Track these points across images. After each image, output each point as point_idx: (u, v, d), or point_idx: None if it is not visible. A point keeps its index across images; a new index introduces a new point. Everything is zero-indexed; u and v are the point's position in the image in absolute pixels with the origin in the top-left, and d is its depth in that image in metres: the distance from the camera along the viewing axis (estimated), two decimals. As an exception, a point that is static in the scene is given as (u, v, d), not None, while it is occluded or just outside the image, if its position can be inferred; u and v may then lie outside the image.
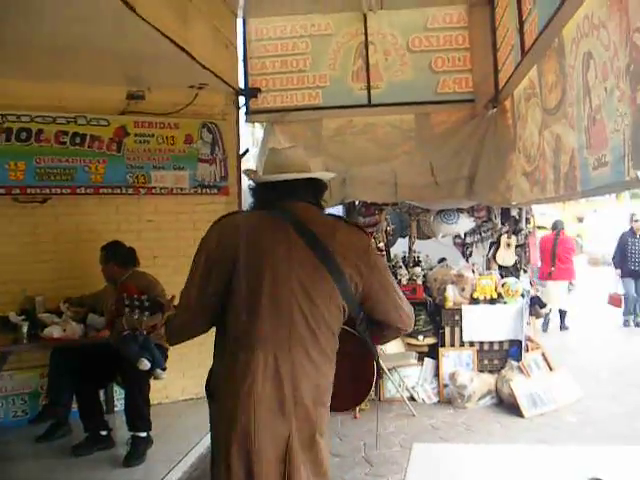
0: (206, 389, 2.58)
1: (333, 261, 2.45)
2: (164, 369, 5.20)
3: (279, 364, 2.39)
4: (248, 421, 2.36)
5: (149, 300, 3.00)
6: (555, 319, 11.17)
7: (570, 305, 11.15)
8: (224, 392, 2.44)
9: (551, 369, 6.87)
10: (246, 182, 2.87)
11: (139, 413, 5.09)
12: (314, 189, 2.66)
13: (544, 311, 7.66)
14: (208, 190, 6.63)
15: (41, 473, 4.87)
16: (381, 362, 6.18)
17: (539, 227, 10.12)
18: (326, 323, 2.46)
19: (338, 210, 7.89)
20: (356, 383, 2.69)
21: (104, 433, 5.30)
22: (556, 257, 10.68)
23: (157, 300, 3.08)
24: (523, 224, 7.66)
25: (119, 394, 6.12)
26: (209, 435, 5.55)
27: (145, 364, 4.97)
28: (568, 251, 10.95)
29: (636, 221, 11.30)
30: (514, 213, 7.61)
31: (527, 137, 5.02)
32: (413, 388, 6.77)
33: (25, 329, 5.37)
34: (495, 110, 6.37)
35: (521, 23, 4.79)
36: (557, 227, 11.17)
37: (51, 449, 5.32)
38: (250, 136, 10.28)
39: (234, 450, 2.36)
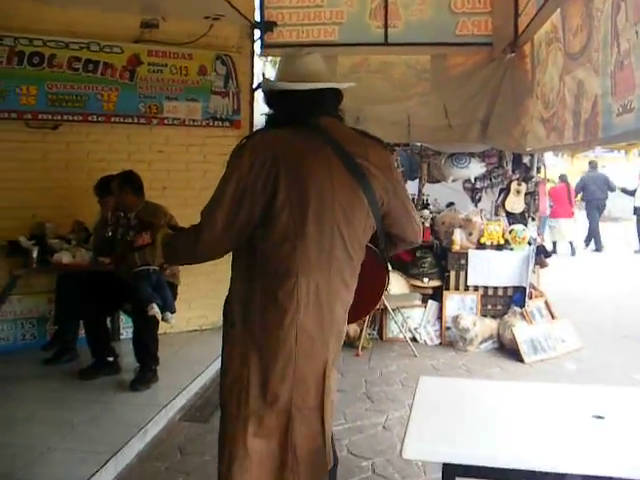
0: (226, 318, 2.51)
1: (367, 182, 2.41)
2: (174, 312, 5.25)
3: (320, 290, 2.38)
4: (290, 350, 2.36)
5: (136, 218, 2.96)
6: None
7: (576, 235, 14.43)
8: (260, 321, 2.39)
9: (553, 317, 6.93)
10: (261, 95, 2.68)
11: (147, 349, 5.15)
12: (337, 100, 2.54)
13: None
14: (220, 123, 6.61)
15: (50, 393, 4.97)
16: (385, 302, 6.29)
17: (548, 180, 10.31)
18: (360, 244, 2.48)
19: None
20: (367, 295, 2.66)
21: (110, 359, 5.37)
22: (571, 201, 13.74)
23: (146, 220, 3.01)
24: (534, 172, 7.62)
25: (125, 322, 6.20)
26: (214, 365, 5.67)
27: (155, 311, 4.99)
28: (574, 197, 14.27)
29: None
30: (525, 160, 7.56)
31: (546, 82, 4.94)
32: (416, 329, 6.85)
33: (35, 254, 5.42)
34: (513, 55, 6.26)
35: (546, -36, 4.68)
36: (566, 179, 14.03)
37: (59, 372, 5.41)
38: (261, 74, 10.15)
39: (275, 378, 2.38)
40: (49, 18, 5.91)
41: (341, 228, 2.38)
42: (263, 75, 6.27)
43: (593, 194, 14.69)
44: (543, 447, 2.23)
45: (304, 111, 2.44)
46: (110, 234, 5.30)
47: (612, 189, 14.99)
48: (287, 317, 2.34)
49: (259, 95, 7.04)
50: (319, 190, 2.33)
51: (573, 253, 14.08)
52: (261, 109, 2.73)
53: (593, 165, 15.38)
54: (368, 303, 2.77)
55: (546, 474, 2.20)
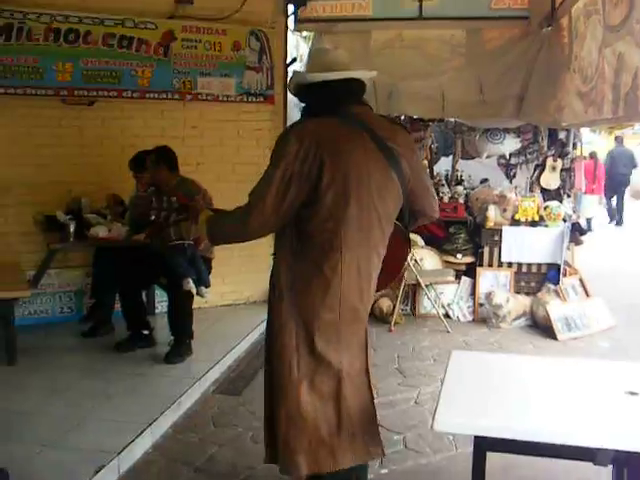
0: (273, 291, 2.68)
1: (398, 163, 2.61)
2: (208, 286, 5.30)
3: (360, 263, 2.60)
4: (334, 319, 2.59)
5: (178, 202, 3.05)
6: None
7: (598, 213, 14.68)
8: (307, 293, 2.58)
9: (588, 295, 6.87)
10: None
11: (181, 323, 5.21)
12: (363, 90, 2.72)
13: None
14: (254, 98, 6.62)
15: (86, 365, 5.08)
16: (419, 278, 6.30)
17: (585, 157, 10.25)
18: (390, 219, 2.70)
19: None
20: (390, 267, 2.84)
21: (146, 332, 5.45)
22: (597, 178, 13.69)
23: (187, 204, 3.09)
24: (570, 148, 7.51)
25: (160, 296, 6.28)
26: (247, 339, 5.75)
27: (190, 286, 5.05)
28: (602, 174, 14.13)
29: None
30: (561, 136, 7.45)
31: (584, 56, 4.85)
32: (449, 305, 6.85)
33: (72, 228, 5.51)
34: (550, 28, 6.15)
35: None
36: (595, 156, 13.96)
37: (95, 344, 5.53)
38: (295, 50, 10.12)
39: (321, 343, 2.60)
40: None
41: (377, 207, 2.59)
42: (294, 71, 6.25)
43: (617, 169, 14.77)
44: (575, 422, 2.23)
45: (339, 100, 2.63)
46: (153, 217, 5.35)
47: (635, 165, 15.17)
48: (331, 288, 2.56)
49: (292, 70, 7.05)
50: (358, 173, 2.53)
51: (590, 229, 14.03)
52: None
53: (619, 140, 15.53)
54: (390, 274, 2.93)
55: (578, 448, 2.19)
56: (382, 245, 2.68)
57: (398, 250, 2.86)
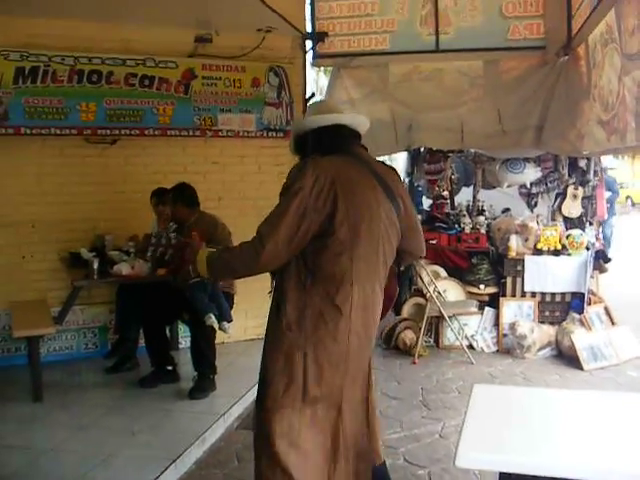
0: (280, 322, 2.69)
1: (396, 201, 2.78)
2: (230, 321, 5.32)
3: (367, 296, 2.69)
4: (343, 350, 2.65)
5: (177, 238, 3.15)
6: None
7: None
8: (318, 323, 2.62)
9: (613, 323, 6.79)
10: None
11: (205, 358, 5.24)
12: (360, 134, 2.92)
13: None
14: (274, 134, 6.70)
15: (111, 401, 5.10)
16: (441, 309, 6.27)
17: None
18: (392, 256, 2.85)
19: (403, 157, 7.87)
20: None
21: (170, 368, 5.48)
22: None
23: (183, 241, 3.16)
24: (591, 175, 7.48)
25: (184, 332, 6.31)
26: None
27: (212, 321, 5.08)
28: None
29: None
30: (582, 164, 7.43)
31: (604, 84, 4.86)
32: (472, 337, 6.80)
33: (96, 265, 5.54)
34: (567, 57, 6.18)
35: (599, -36, 4.61)
36: None
37: (119, 380, 5.56)
38: (314, 84, 10.25)
39: (329, 374, 2.65)
40: (106, 36, 6.06)
41: (384, 243, 2.74)
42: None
43: None
44: (603, 457, 2.19)
45: (346, 141, 2.81)
46: (149, 254, 5.42)
47: (615, 191, 15.01)
48: (342, 319, 2.63)
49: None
50: (369, 210, 2.67)
51: None
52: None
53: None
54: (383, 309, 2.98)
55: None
56: (384, 280, 2.81)
57: (390, 287, 2.94)
